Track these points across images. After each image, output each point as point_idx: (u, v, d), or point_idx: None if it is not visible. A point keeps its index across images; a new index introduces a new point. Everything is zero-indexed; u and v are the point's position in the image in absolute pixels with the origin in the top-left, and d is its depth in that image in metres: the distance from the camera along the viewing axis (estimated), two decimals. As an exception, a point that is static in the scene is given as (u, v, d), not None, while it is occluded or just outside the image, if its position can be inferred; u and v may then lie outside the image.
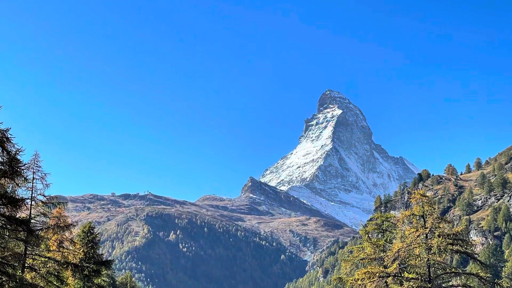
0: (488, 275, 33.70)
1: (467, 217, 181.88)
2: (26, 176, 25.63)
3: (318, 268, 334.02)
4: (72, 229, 33.30)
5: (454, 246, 32.69)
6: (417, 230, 33.25)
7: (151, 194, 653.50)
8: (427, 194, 40.48)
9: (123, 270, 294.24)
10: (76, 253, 34.81)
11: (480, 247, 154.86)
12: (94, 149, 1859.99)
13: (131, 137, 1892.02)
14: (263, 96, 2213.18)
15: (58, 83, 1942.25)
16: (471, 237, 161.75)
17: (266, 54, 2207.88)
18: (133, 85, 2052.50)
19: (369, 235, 38.60)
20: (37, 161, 28.37)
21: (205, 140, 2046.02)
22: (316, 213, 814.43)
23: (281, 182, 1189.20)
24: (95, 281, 36.73)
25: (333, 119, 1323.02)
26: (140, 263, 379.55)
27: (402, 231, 35.38)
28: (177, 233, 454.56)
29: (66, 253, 33.81)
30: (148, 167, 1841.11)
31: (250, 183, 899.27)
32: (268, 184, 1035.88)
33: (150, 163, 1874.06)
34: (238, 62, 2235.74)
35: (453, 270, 34.15)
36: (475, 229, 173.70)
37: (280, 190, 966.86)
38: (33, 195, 28.82)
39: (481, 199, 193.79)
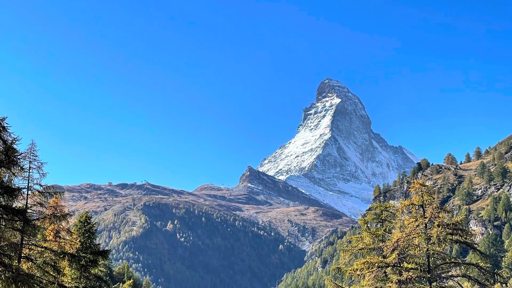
0: (488, 265, 33.47)
1: (467, 206, 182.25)
2: (23, 166, 25.38)
3: (316, 258, 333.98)
4: (68, 218, 33.07)
5: (453, 236, 32.51)
6: (416, 220, 33.07)
7: (148, 184, 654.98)
8: (427, 184, 40.30)
9: (120, 260, 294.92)
10: (73, 243, 34.54)
11: (480, 237, 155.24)
12: (91, 138, 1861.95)
13: (128, 126, 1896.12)
14: (261, 85, 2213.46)
15: (54, 72, 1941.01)
16: (471, 227, 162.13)
17: (264, 43, 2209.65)
18: (130, 74, 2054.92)
19: (368, 225, 38.36)
20: (33, 151, 28.02)
21: (203, 129, 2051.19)
22: (314, 202, 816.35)
23: (279, 171, 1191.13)
24: (92, 271, 36.55)
25: (332, 108, 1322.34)
26: (137, 253, 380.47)
27: (401, 221, 35.18)
28: (175, 222, 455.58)
29: (62, 243, 33.57)
30: (145, 157, 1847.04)
31: (248, 173, 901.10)
32: (267, 173, 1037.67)
33: (147, 153, 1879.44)
34: (236, 51, 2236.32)
35: (452, 260, 33.91)
36: (475, 219, 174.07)
37: (278, 179, 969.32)
38: (29, 185, 28.56)
39: (480, 188, 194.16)
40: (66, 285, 31.46)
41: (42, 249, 29.97)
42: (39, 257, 29.32)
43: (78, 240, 36.13)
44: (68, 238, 34.76)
